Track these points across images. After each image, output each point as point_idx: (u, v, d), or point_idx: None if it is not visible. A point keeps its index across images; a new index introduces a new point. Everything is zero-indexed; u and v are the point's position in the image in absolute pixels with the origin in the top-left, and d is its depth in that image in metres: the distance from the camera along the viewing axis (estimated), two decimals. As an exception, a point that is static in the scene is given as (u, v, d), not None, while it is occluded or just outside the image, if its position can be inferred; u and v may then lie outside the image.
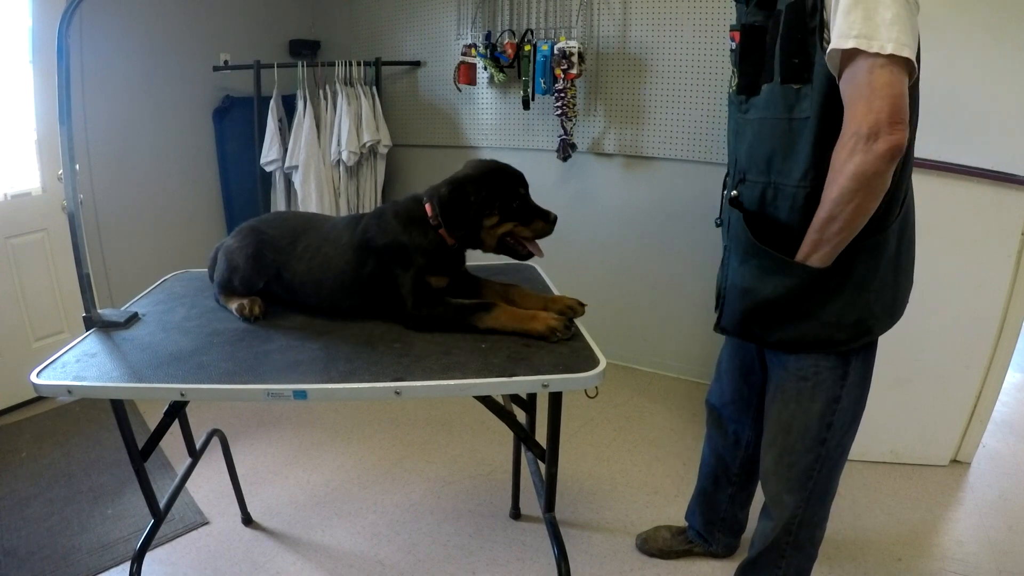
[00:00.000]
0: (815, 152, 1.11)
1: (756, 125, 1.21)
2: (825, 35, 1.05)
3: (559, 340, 1.21)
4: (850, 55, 0.97)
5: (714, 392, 1.66)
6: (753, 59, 1.19)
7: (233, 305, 1.37)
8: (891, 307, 1.23)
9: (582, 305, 1.29)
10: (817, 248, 1.12)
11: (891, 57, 0.95)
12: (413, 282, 1.28)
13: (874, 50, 0.94)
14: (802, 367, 1.28)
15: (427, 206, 1.30)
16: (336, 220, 1.43)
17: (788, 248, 1.18)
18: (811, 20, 1.06)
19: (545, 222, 1.32)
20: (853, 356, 1.25)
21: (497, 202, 1.28)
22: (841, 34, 0.97)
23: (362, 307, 1.35)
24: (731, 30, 1.25)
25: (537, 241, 1.34)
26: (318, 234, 1.39)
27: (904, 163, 1.15)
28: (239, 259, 1.38)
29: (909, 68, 0.98)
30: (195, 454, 1.71)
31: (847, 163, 1.01)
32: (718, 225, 1.36)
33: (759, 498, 1.49)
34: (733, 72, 1.27)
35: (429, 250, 1.30)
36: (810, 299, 1.18)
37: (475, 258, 1.49)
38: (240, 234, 1.43)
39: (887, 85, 0.96)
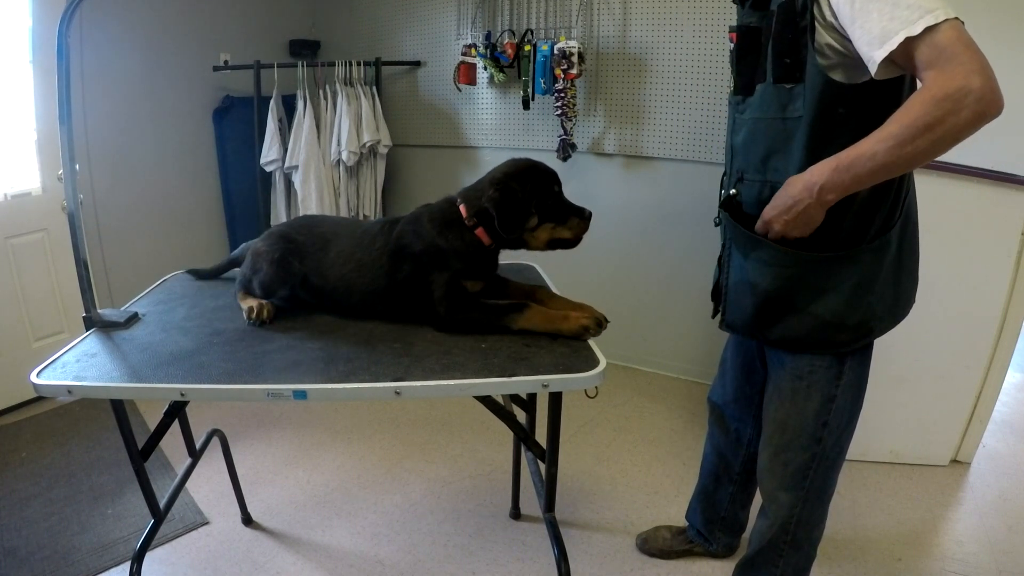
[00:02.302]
0: (808, 151, 1.11)
1: (751, 125, 1.22)
2: (822, 35, 1.05)
3: (591, 338, 1.22)
4: (918, 37, 0.94)
5: (716, 390, 1.66)
6: (749, 60, 1.20)
7: (244, 306, 1.37)
8: (893, 308, 1.23)
9: (606, 320, 1.27)
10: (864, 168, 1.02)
11: (953, 19, 0.94)
12: (447, 286, 1.27)
13: (941, 19, 0.93)
14: (798, 366, 1.28)
15: (462, 207, 1.30)
16: (368, 225, 1.42)
17: (785, 243, 1.18)
18: (801, 20, 1.06)
19: (581, 218, 1.33)
20: (849, 356, 1.26)
21: (534, 200, 1.28)
22: (907, 20, 0.94)
23: (396, 311, 1.34)
24: (730, 31, 1.26)
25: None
26: (350, 240, 1.38)
27: None
28: (263, 263, 1.38)
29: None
30: (195, 454, 1.71)
31: (952, 116, 0.93)
32: (717, 224, 1.36)
33: (759, 498, 1.50)
34: (733, 73, 1.28)
35: (466, 253, 1.29)
36: (807, 293, 1.19)
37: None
38: (269, 239, 1.43)
39: (970, 41, 0.94)
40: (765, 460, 1.40)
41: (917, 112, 0.95)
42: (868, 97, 1.06)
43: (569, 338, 1.22)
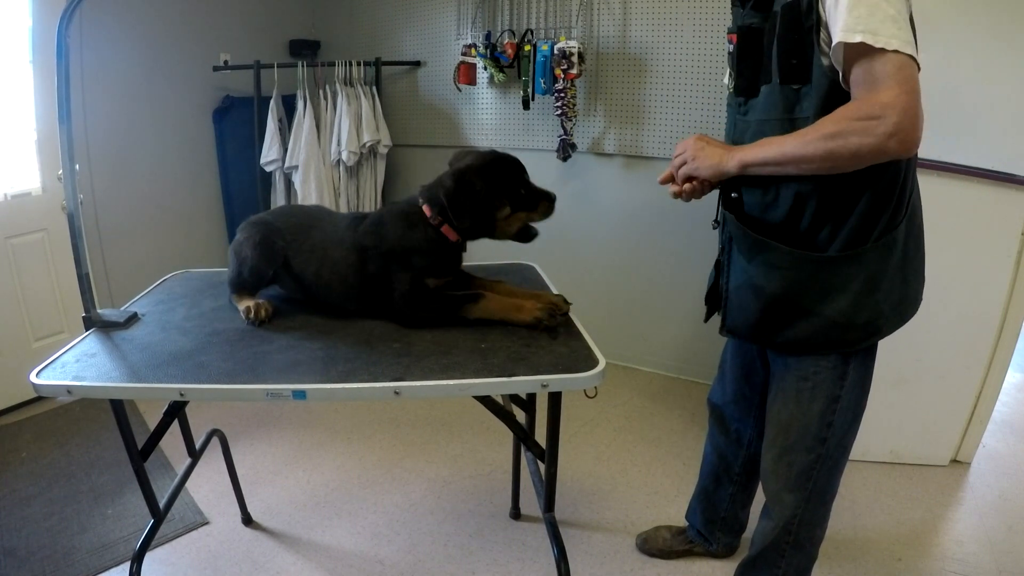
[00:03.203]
0: None
1: (756, 127, 1.21)
2: (822, 34, 1.05)
3: (544, 329, 1.25)
4: (858, 50, 0.97)
5: (716, 391, 1.66)
6: (750, 61, 1.19)
7: (241, 307, 1.37)
8: (899, 307, 1.23)
9: (567, 303, 1.30)
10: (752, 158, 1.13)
11: (897, 53, 0.95)
12: (411, 283, 1.29)
13: (880, 45, 0.94)
14: (802, 367, 1.28)
15: (425, 208, 1.31)
16: (338, 219, 1.43)
17: (792, 244, 1.18)
18: (807, 19, 1.06)
19: (548, 202, 1.35)
20: (853, 356, 1.25)
21: (505, 193, 1.30)
22: (847, 28, 0.96)
23: (368, 308, 1.36)
24: (728, 33, 1.26)
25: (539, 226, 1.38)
26: (322, 234, 1.39)
27: (908, 160, 1.15)
28: (247, 249, 1.39)
29: (915, 65, 0.98)
30: (195, 454, 1.71)
31: (857, 136, 0.97)
32: (715, 227, 1.36)
33: (760, 498, 1.50)
34: (730, 74, 1.28)
35: (429, 251, 1.31)
36: (814, 294, 1.18)
37: (477, 257, 1.49)
38: (247, 227, 1.44)
39: (909, 79, 0.95)
40: (769, 462, 1.39)
41: (834, 118, 1.01)
42: None
43: (524, 327, 1.25)
